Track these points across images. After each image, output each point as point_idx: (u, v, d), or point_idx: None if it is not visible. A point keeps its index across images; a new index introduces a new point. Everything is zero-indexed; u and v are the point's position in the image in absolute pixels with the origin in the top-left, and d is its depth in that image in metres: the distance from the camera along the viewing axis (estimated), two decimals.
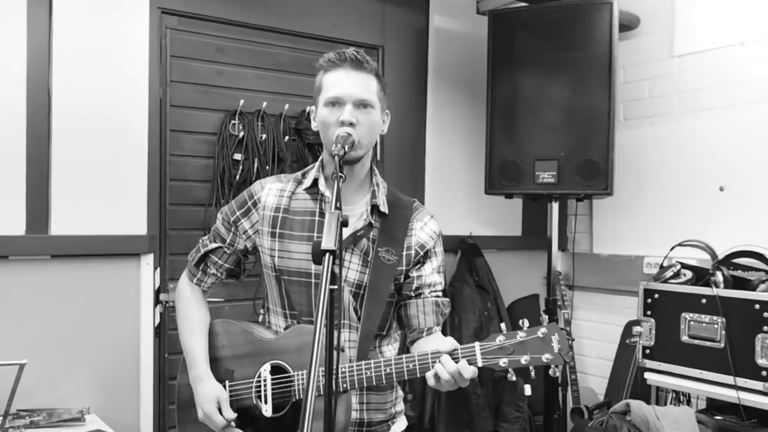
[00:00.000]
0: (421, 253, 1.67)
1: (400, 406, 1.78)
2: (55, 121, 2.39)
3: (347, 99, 1.56)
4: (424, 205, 1.76)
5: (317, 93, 1.64)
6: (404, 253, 1.65)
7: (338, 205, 1.28)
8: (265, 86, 2.92)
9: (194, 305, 1.78)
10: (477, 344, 1.45)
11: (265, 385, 1.62)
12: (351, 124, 1.54)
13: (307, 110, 2.93)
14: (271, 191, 1.71)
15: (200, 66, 2.78)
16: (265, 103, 2.87)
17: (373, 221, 1.64)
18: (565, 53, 2.93)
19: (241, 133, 2.81)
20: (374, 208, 1.65)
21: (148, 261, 2.58)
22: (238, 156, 2.80)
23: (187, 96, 2.75)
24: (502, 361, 1.43)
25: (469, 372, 1.43)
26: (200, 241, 1.80)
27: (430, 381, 1.46)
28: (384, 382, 1.50)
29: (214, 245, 1.76)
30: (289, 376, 1.60)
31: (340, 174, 1.36)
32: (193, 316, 1.76)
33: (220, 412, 1.62)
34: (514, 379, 1.45)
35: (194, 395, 1.68)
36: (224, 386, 1.67)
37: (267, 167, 2.83)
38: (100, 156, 2.47)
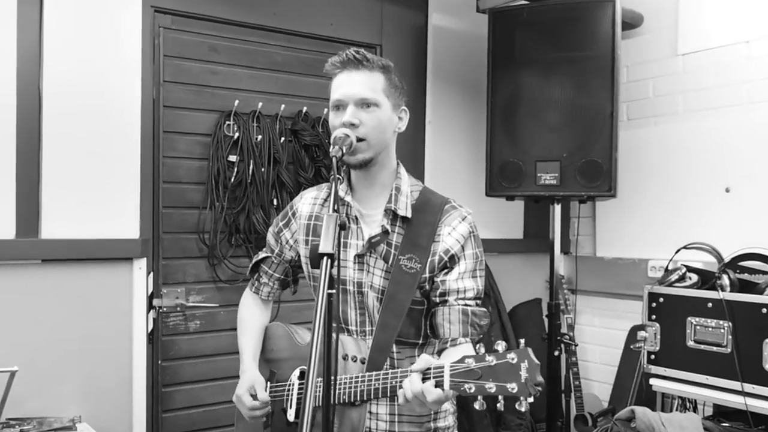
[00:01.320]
0: (446, 258, 1.62)
1: (444, 422, 1.69)
2: (46, 123, 2.39)
3: (348, 100, 1.57)
4: (459, 205, 1.70)
5: (330, 98, 1.65)
6: (428, 260, 1.61)
7: (336, 207, 1.29)
8: (261, 86, 2.93)
9: (248, 307, 1.88)
10: (447, 364, 1.34)
11: (291, 390, 1.66)
12: (352, 125, 1.55)
13: (304, 110, 2.97)
14: (306, 200, 1.76)
15: (194, 66, 2.78)
16: (260, 104, 2.87)
17: (390, 227, 1.62)
18: (566, 52, 2.94)
19: (236, 134, 2.82)
20: (394, 214, 1.63)
21: (140, 265, 2.58)
22: (233, 158, 2.81)
23: (180, 96, 2.75)
24: (468, 387, 1.30)
25: (433, 395, 1.32)
26: (257, 252, 1.91)
27: (400, 400, 1.40)
28: (371, 397, 1.48)
29: (263, 255, 1.85)
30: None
31: (337, 176, 1.36)
32: (245, 317, 1.87)
33: (254, 398, 1.68)
34: (483, 408, 1.31)
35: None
36: (267, 387, 1.73)
37: (262, 169, 2.84)
38: (91, 158, 2.47)
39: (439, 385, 1.33)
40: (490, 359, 1.30)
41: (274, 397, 1.70)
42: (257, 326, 1.85)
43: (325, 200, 1.73)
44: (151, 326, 2.67)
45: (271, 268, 1.84)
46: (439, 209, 1.66)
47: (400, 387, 1.39)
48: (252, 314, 1.87)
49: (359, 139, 1.55)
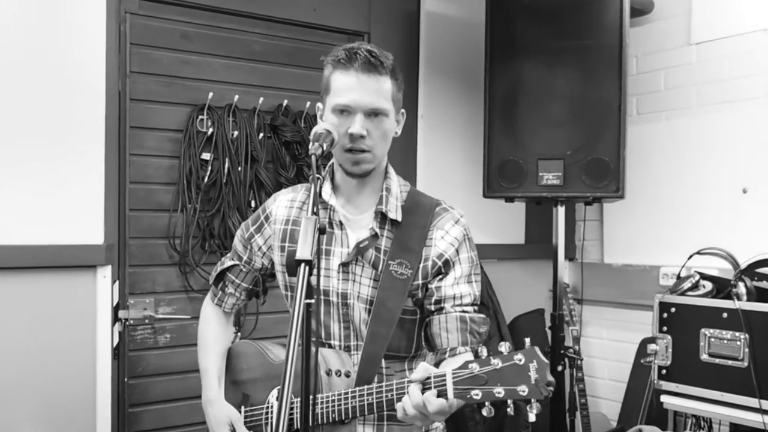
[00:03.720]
0: (440, 263, 1.64)
1: None
2: None
3: (358, 109, 1.57)
4: (451, 207, 1.73)
5: (324, 91, 1.64)
6: (420, 265, 1.63)
7: (315, 210, 1.29)
8: (237, 77, 2.93)
9: (211, 322, 1.86)
10: (449, 371, 1.35)
11: (270, 413, 1.66)
12: (362, 137, 1.56)
13: (285, 104, 2.97)
14: (282, 203, 1.76)
15: (164, 55, 2.78)
16: (236, 97, 2.87)
17: (379, 231, 1.64)
18: (571, 40, 2.95)
19: (210, 130, 2.81)
20: (384, 216, 1.65)
21: (105, 274, 2.57)
22: (206, 155, 2.80)
23: (149, 88, 2.75)
24: (475, 393, 1.31)
25: (436, 405, 1.33)
26: (221, 259, 1.89)
27: (399, 413, 1.41)
28: (364, 413, 1.48)
29: (230, 263, 1.84)
30: (291, 403, 1.61)
31: (317, 176, 1.37)
32: (208, 335, 1.84)
33: None
34: (492, 414, 1.31)
35: (206, 420, 1.74)
36: (240, 412, 1.72)
37: (239, 168, 2.84)
38: (50, 156, 2.46)
39: (441, 394, 1.34)
40: (496, 362, 1.31)
41: (251, 423, 1.70)
42: (223, 347, 1.84)
43: (304, 203, 1.73)
44: (116, 340, 2.65)
45: (239, 278, 1.83)
46: (430, 211, 1.68)
47: (398, 400, 1.40)
48: (216, 332, 1.85)
49: (364, 150, 1.58)
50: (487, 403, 1.31)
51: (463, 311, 1.63)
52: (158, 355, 2.78)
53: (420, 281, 1.64)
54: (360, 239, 1.63)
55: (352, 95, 1.56)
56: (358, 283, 1.64)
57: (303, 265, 1.18)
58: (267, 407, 1.68)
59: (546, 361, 1.30)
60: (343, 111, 1.58)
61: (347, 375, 1.56)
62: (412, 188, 1.75)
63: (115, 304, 2.64)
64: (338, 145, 1.58)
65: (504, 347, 1.32)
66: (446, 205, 1.73)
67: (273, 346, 1.79)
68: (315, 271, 1.23)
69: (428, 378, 1.37)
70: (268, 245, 1.77)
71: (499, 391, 1.29)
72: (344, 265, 1.63)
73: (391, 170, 1.72)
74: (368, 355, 1.60)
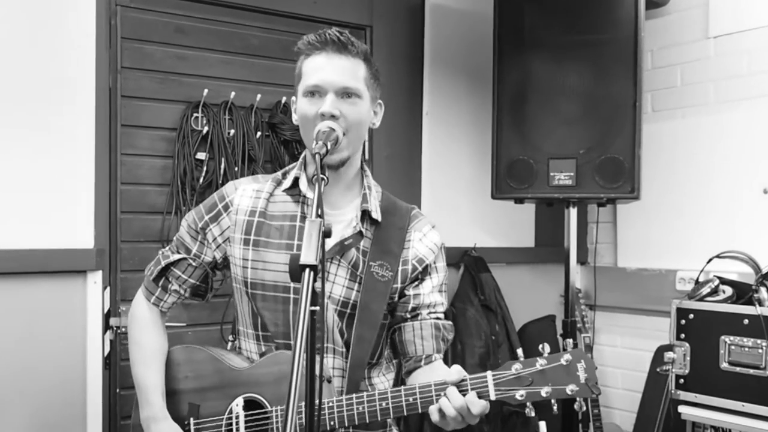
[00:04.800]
0: (419, 269, 1.68)
1: None
2: None
3: (328, 87, 1.57)
4: (424, 214, 1.78)
5: (297, 81, 1.65)
6: (400, 268, 1.66)
7: (320, 212, 1.28)
8: (234, 73, 2.93)
9: (150, 330, 1.76)
10: (489, 373, 1.45)
11: (237, 423, 1.61)
12: (333, 117, 1.55)
13: (283, 101, 2.97)
14: (246, 192, 1.72)
15: (157, 50, 2.78)
16: (233, 93, 2.87)
17: (363, 230, 1.65)
18: (583, 34, 2.95)
19: (205, 129, 2.81)
20: (365, 215, 1.66)
21: (95, 279, 2.56)
22: (201, 155, 2.80)
23: (141, 85, 2.74)
24: (519, 394, 1.43)
25: (479, 407, 1.43)
26: (160, 252, 1.80)
27: (434, 417, 1.46)
28: (378, 418, 1.50)
29: (177, 256, 1.75)
30: (265, 413, 1.60)
31: (321, 176, 1.36)
32: (148, 344, 1.75)
33: None
34: (533, 414, 1.45)
35: None
36: (188, 425, 1.66)
37: (236, 168, 2.83)
38: (37, 156, 2.46)
39: (483, 396, 1.44)
40: (541, 363, 1.44)
41: None
42: (163, 357, 1.75)
43: (271, 194, 1.70)
44: (107, 349, 2.65)
45: (185, 273, 1.74)
46: (407, 213, 1.73)
47: (435, 402, 1.46)
48: (155, 340, 1.75)
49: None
50: (529, 404, 1.43)
51: (437, 318, 1.70)
52: None
53: (399, 284, 1.67)
54: (344, 236, 1.63)
55: (322, 73, 1.57)
56: (332, 282, 1.64)
57: (308, 270, 1.18)
58: (230, 417, 1.63)
59: (593, 362, 1.43)
60: (314, 93, 1.58)
61: (329, 381, 1.57)
62: (384, 191, 1.77)
63: (106, 311, 2.63)
64: (308, 132, 1.58)
65: (545, 348, 1.45)
66: (420, 211, 1.79)
67: (225, 352, 1.74)
68: (321, 276, 1.23)
69: (464, 380, 1.46)
70: (224, 237, 1.71)
71: (548, 391, 1.42)
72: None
73: (368, 169, 1.74)
74: (355, 359, 1.62)
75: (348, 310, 1.64)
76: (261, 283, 1.66)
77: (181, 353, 1.76)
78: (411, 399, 1.48)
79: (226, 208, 1.71)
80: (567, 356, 1.43)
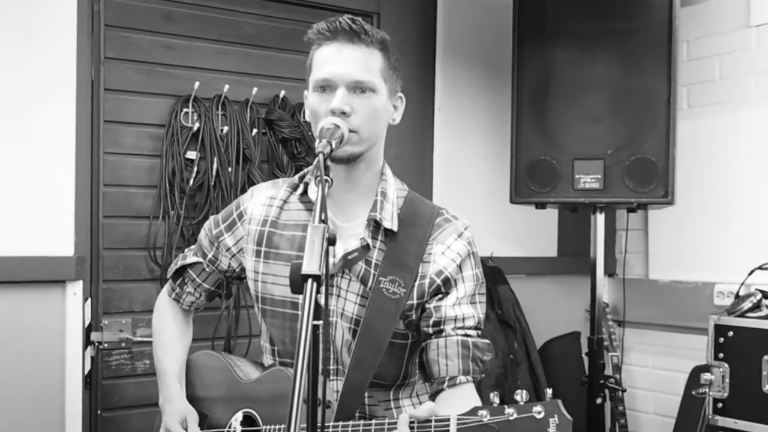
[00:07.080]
0: (438, 281, 1.64)
1: None
2: None
3: (339, 81, 1.56)
4: (454, 216, 1.72)
5: (307, 74, 1.65)
6: (416, 283, 1.63)
7: (323, 217, 1.28)
8: (227, 65, 2.94)
9: (168, 317, 1.87)
10: (454, 416, 1.38)
11: None
12: (343, 114, 1.54)
13: (282, 95, 2.98)
14: (259, 200, 1.74)
15: (143, 38, 2.79)
16: (226, 87, 2.88)
17: (371, 241, 1.63)
18: (611, 22, 2.96)
19: (196, 125, 2.82)
20: (377, 225, 1.64)
21: (75, 290, 2.57)
22: (191, 154, 2.81)
23: (126, 77, 2.76)
24: None
25: None
26: (187, 249, 1.88)
27: None
28: None
29: (193, 259, 1.82)
30: (258, 431, 1.62)
31: (325, 177, 1.36)
32: (165, 329, 1.85)
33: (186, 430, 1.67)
34: None
35: (162, 422, 1.73)
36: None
37: (229, 168, 2.84)
38: (11, 155, 2.47)
39: None
40: (510, 412, 1.35)
41: None
42: (182, 344, 1.85)
43: (285, 201, 1.71)
44: (88, 367, 2.66)
45: (200, 277, 1.82)
46: (430, 221, 1.68)
47: None
48: (173, 327, 1.86)
49: (350, 131, 1.55)
50: None
51: (466, 335, 1.62)
52: (136, 384, 2.78)
53: (415, 301, 1.63)
54: (349, 249, 1.62)
55: (332, 66, 1.56)
56: (343, 299, 1.64)
57: (310, 281, 1.18)
58: (230, 431, 1.67)
59: (569, 418, 1.33)
60: (324, 88, 1.58)
61: (327, 405, 1.55)
62: (410, 193, 1.74)
63: (87, 325, 2.64)
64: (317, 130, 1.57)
65: (520, 396, 1.36)
66: (449, 214, 1.72)
67: (242, 362, 1.78)
68: (324, 287, 1.23)
69: (428, 421, 1.39)
70: (238, 247, 1.75)
71: None
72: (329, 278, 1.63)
73: (389, 172, 1.72)
74: (351, 384, 1.60)
75: (360, 329, 1.62)
76: (270, 298, 1.68)
77: (203, 359, 1.83)
78: None
79: (240, 216, 1.75)
80: (539, 408, 1.34)
